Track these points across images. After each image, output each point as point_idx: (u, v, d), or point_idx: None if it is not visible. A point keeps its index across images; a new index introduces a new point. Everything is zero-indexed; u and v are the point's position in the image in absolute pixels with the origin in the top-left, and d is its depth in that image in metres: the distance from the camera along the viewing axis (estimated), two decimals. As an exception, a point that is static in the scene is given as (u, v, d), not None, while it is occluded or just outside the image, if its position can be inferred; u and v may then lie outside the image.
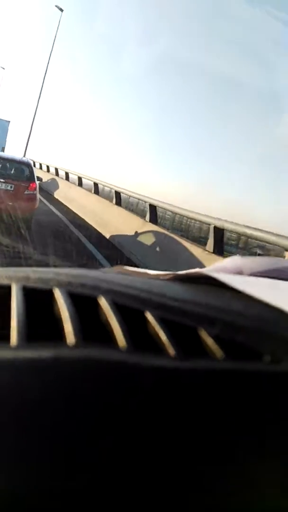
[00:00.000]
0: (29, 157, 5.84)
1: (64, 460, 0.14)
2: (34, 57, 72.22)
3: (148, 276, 0.35)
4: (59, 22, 17.41)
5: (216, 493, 0.15)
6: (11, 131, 25.53)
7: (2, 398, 0.15)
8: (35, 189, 5.56)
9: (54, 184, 11.35)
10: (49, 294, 0.22)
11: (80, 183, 9.90)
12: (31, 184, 5.54)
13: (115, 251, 5.60)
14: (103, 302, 0.22)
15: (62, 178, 11.52)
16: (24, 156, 11.51)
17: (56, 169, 12.35)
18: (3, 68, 26.35)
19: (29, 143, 16.40)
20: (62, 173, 11.76)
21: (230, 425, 0.17)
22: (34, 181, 5.64)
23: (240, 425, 0.17)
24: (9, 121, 25.19)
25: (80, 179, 9.89)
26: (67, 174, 11.27)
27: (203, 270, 0.33)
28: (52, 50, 17.10)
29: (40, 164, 14.25)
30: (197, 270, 0.33)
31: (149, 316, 0.22)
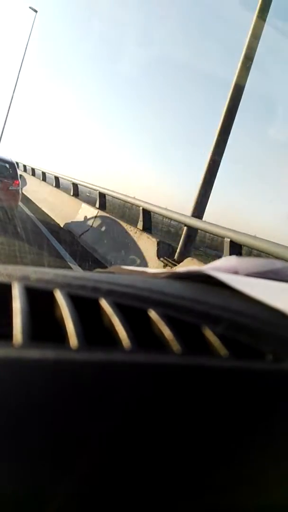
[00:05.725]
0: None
1: (65, 461, 0.14)
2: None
3: (146, 274, 0.35)
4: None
5: (217, 489, 0.16)
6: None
7: (6, 397, 0.14)
8: (18, 185, 6.13)
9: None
10: (50, 295, 0.22)
11: (33, 173, 11.69)
12: (15, 181, 6.10)
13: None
14: (104, 303, 0.22)
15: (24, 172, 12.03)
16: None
17: (24, 166, 12.73)
18: (36, 11, 20.37)
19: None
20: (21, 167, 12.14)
21: (235, 422, 0.17)
22: (18, 178, 6.20)
23: (244, 421, 0.18)
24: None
25: (33, 169, 11.82)
26: (24, 166, 11.85)
27: (201, 269, 0.33)
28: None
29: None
30: (195, 268, 0.34)
31: (152, 314, 0.23)
